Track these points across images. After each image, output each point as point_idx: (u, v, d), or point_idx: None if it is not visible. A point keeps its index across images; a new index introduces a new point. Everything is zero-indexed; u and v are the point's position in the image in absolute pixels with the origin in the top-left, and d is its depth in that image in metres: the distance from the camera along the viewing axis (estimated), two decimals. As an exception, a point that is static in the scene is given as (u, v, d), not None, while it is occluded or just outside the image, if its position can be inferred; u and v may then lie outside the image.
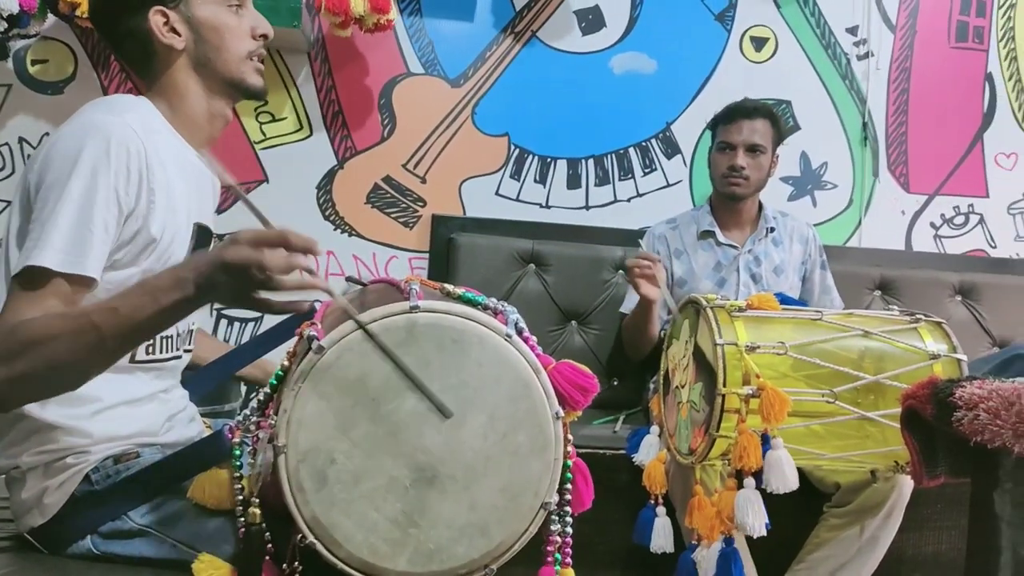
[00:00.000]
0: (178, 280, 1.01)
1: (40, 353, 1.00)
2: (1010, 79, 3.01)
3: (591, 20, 2.79)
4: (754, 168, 2.30)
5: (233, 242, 0.98)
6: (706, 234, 2.38)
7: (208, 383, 1.52)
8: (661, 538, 1.79)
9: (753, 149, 2.29)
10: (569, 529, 1.03)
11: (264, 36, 1.33)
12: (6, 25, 2.21)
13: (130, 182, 1.13)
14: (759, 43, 2.87)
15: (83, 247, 1.08)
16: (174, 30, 1.25)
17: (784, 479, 1.46)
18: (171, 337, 1.28)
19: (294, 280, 0.99)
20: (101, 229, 1.10)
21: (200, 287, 1.00)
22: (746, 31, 2.86)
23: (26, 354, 1.00)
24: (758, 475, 1.48)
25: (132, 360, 1.22)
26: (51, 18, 2.35)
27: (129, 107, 1.22)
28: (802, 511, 1.88)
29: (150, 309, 1.00)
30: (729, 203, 2.36)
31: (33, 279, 1.07)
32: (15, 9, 2.16)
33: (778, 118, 2.37)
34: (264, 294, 1.01)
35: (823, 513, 1.88)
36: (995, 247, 3.04)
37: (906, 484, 1.78)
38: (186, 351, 1.35)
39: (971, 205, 3.02)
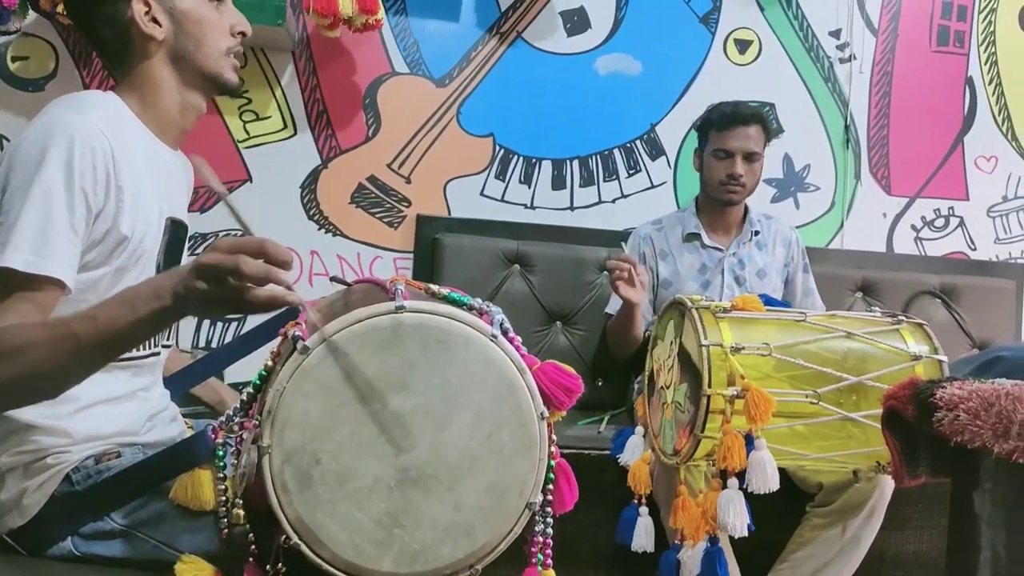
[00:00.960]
0: (156, 289, 1.00)
1: (19, 361, 1.00)
2: (990, 83, 3.04)
3: (576, 21, 2.79)
4: (750, 175, 2.31)
5: (211, 248, 0.97)
6: (691, 236, 2.39)
7: (191, 383, 1.51)
8: (642, 538, 1.80)
9: (750, 156, 2.29)
10: (550, 530, 1.03)
11: (243, 33, 1.32)
12: (-14, 21, 2.19)
13: (97, 181, 1.12)
14: (743, 45, 2.89)
15: (48, 248, 1.07)
16: (155, 20, 1.24)
17: (766, 480, 1.46)
18: None
19: (266, 293, 0.96)
20: (68, 230, 1.09)
21: (177, 296, 0.99)
22: (730, 33, 2.87)
23: (5, 362, 1.00)
24: (742, 475, 1.49)
25: None
26: (32, 14, 2.32)
27: (95, 104, 1.20)
28: (785, 511, 1.89)
29: (129, 318, 0.99)
30: (717, 207, 2.37)
31: (1, 282, 1.06)
32: (-5, 5, 2.14)
33: (769, 122, 2.37)
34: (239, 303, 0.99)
35: (806, 513, 1.89)
36: (975, 249, 3.07)
37: (888, 484, 1.80)
38: (164, 346, 1.34)
39: (951, 208, 3.05)
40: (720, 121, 2.31)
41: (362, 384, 0.95)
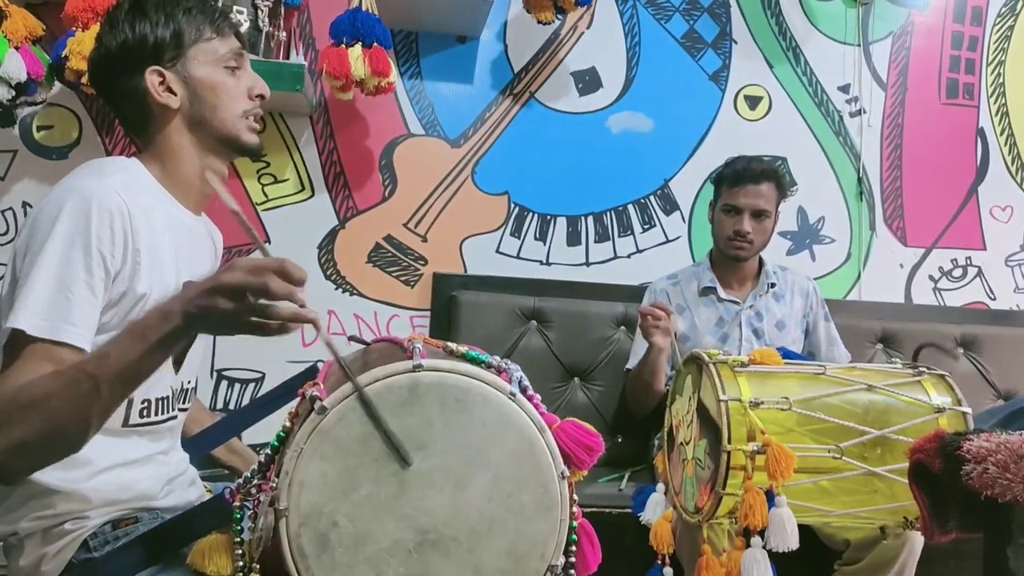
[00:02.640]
0: (165, 314, 1.00)
1: (38, 414, 0.99)
2: (1002, 133, 3.06)
3: (588, 81, 2.84)
4: (759, 232, 2.29)
5: (230, 268, 0.98)
6: (707, 290, 2.38)
7: (209, 446, 1.51)
8: (669, 600, 1.76)
9: (759, 214, 2.28)
10: (573, 594, 1.01)
11: (261, 96, 1.34)
12: (13, 93, 2.24)
13: (115, 244, 1.14)
14: (753, 102, 2.92)
15: (62, 312, 1.08)
16: (170, 89, 1.26)
17: (785, 538, 1.44)
18: (166, 398, 1.27)
19: (287, 310, 0.98)
20: (86, 293, 1.10)
21: (189, 316, 0.99)
22: (740, 90, 2.91)
23: (24, 418, 0.99)
24: (765, 533, 1.46)
25: (126, 424, 1.21)
26: (57, 85, 2.39)
27: (116, 169, 1.22)
28: (812, 569, 1.85)
29: (140, 348, 0.99)
30: (731, 262, 2.37)
31: (16, 346, 1.06)
32: (23, 77, 2.20)
33: (782, 178, 2.34)
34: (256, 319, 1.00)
35: (834, 572, 1.85)
36: (994, 299, 3.04)
37: (917, 540, 1.75)
38: (181, 410, 1.33)
39: (969, 258, 3.04)
40: (732, 177, 2.31)
41: (389, 435, 0.94)
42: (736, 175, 2.30)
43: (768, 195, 2.29)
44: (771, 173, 2.31)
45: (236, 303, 0.97)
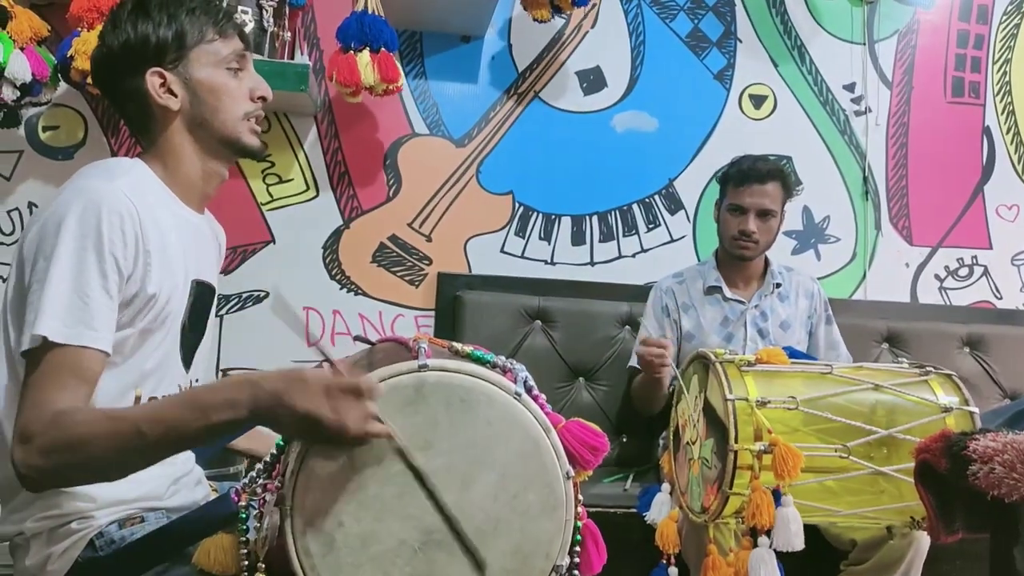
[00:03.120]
0: (231, 402, 0.99)
1: (83, 451, 1.01)
2: (1008, 132, 3.05)
3: (592, 80, 2.84)
4: (764, 232, 2.28)
5: (302, 384, 0.96)
6: (712, 289, 2.38)
7: (214, 447, 1.51)
8: (674, 599, 1.76)
9: (764, 214, 2.26)
10: (578, 593, 1.01)
11: (263, 98, 1.33)
12: (19, 93, 2.25)
13: (127, 246, 1.13)
14: (758, 101, 2.92)
15: (83, 316, 1.08)
16: (170, 91, 1.26)
17: (789, 538, 1.43)
18: None
19: (361, 429, 0.95)
20: (102, 295, 1.10)
21: (256, 416, 0.99)
22: (745, 89, 2.90)
23: (69, 451, 1.01)
24: (772, 533, 1.46)
25: None
26: (62, 86, 2.39)
27: (122, 171, 1.22)
28: (819, 569, 1.84)
29: (198, 424, 1.00)
30: (736, 261, 2.37)
31: (38, 352, 1.06)
32: (28, 78, 2.21)
33: (788, 177, 2.33)
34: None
35: (840, 572, 1.84)
36: (1001, 298, 3.03)
37: (923, 540, 1.75)
38: None
39: (975, 257, 3.03)
40: (737, 177, 2.30)
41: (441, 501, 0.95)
42: (742, 175, 2.28)
43: (774, 195, 2.27)
44: (777, 173, 2.29)
45: (309, 427, 0.96)
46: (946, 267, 3.01)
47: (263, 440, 1.56)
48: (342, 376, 0.96)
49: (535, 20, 2.59)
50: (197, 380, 1.37)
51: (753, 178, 2.26)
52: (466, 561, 0.95)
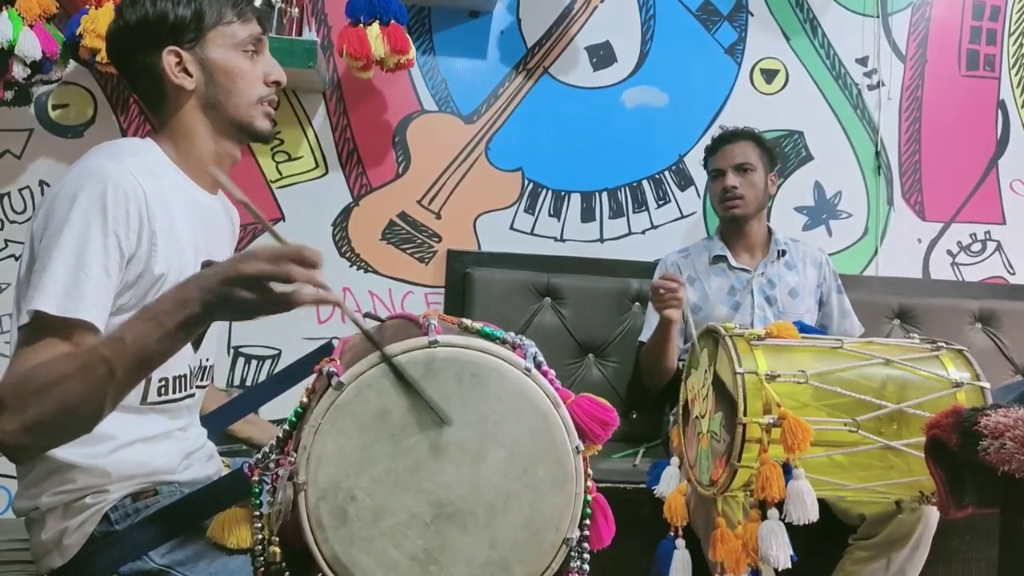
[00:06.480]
0: (182, 300, 1.00)
1: (52, 395, 1.00)
2: (1023, 106, 3.01)
3: (602, 56, 2.82)
4: (747, 186, 2.34)
5: (248, 256, 0.99)
6: (718, 259, 2.39)
7: (227, 421, 1.52)
8: (680, 571, 1.77)
9: (741, 168, 2.35)
10: (587, 566, 1.01)
11: (277, 83, 1.33)
12: (29, 71, 2.25)
13: (130, 226, 1.14)
14: (769, 75, 2.89)
15: (80, 291, 1.08)
16: (186, 71, 1.26)
17: (805, 510, 1.44)
18: (183, 376, 1.28)
19: (310, 294, 0.99)
20: (101, 274, 1.10)
21: (207, 304, 1.00)
22: (756, 63, 2.88)
23: (39, 399, 1.00)
24: (780, 506, 1.46)
25: (144, 401, 1.22)
26: (72, 64, 2.39)
27: (131, 151, 1.22)
28: (827, 543, 1.85)
29: (156, 333, 1.00)
30: (735, 228, 2.39)
31: (35, 326, 1.07)
32: (38, 56, 2.21)
33: (761, 139, 2.44)
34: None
35: (848, 545, 1.85)
36: (1014, 273, 3.01)
37: (933, 515, 1.75)
38: (199, 387, 1.34)
39: (988, 232, 3.00)
40: (711, 146, 2.45)
41: (425, 398, 0.95)
42: (713, 142, 2.46)
43: (745, 150, 2.38)
44: (746, 132, 2.43)
45: (256, 292, 0.98)
46: (959, 242, 2.99)
47: (264, 427, 1.59)
48: (289, 245, 0.99)
49: None
50: (208, 360, 1.38)
51: (723, 141, 2.42)
52: (479, 536, 0.96)
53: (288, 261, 0.97)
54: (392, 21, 2.35)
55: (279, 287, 0.99)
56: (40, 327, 1.07)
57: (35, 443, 1.07)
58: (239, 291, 0.98)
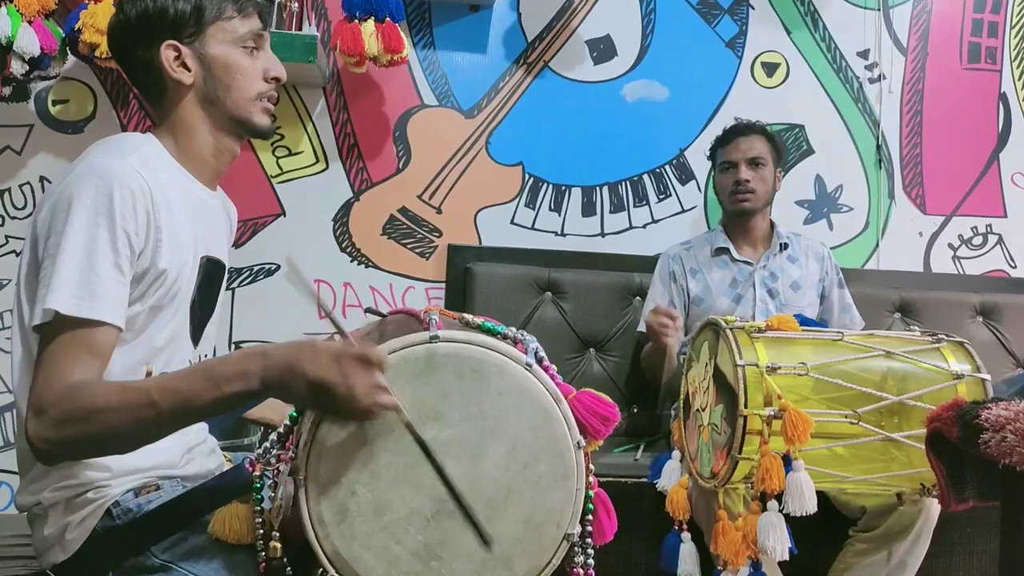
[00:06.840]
0: (244, 373, 1.00)
1: (94, 422, 1.02)
2: (1025, 99, 3.00)
3: (602, 50, 2.81)
4: (758, 180, 2.35)
5: (314, 352, 0.98)
6: (721, 251, 2.39)
7: (228, 416, 1.52)
8: (688, 564, 1.77)
9: (754, 162, 2.36)
10: (591, 561, 1.01)
11: (276, 79, 1.32)
12: (27, 67, 2.25)
13: (138, 222, 1.14)
14: (770, 68, 2.88)
15: (94, 289, 1.08)
16: (184, 65, 1.25)
17: (803, 502, 1.44)
18: None
19: (370, 399, 0.96)
20: (114, 271, 1.11)
21: (268, 386, 1.00)
22: (757, 57, 2.87)
23: (80, 421, 1.02)
24: (782, 498, 1.47)
25: None
26: (71, 59, 2.39)
27: (133, 147, 1.22)
28: (828, 535, 1.85)
29: (211, 395, 1.01)
30: (740, 221, 2.40)
31: (51, 327, 1.07)
32: (36, 51, 2.20)
33: (773, 136, 2.44)
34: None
35: (849, 537, 1.85)
36: (1015, 267, 3.01)
37: (934, 507, 1.75)
38: None
39: (989, 225, 3.00)
40: (722, 137, 2.44)
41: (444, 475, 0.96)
42: (725, 134, 2.44)
43: (760, 145, 2.38)
44: (759, 127, 2.43)
45: (320, 394, 0.97)
46: (960, 236, 2.98)
47: (277, 409, 1.58)
48: (353, 346, 0.97)
49: None
50: (206, 355, 1.38)
51: (736, 133, 2.41)
52: (477, 532, 0.96)
53: (352, 362, 0.96)
54: (388, 18, 2.35)
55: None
56: (58, 327, 1.07)
57: (67, 455, 1.10)
58: (302, 388, 0.98)
